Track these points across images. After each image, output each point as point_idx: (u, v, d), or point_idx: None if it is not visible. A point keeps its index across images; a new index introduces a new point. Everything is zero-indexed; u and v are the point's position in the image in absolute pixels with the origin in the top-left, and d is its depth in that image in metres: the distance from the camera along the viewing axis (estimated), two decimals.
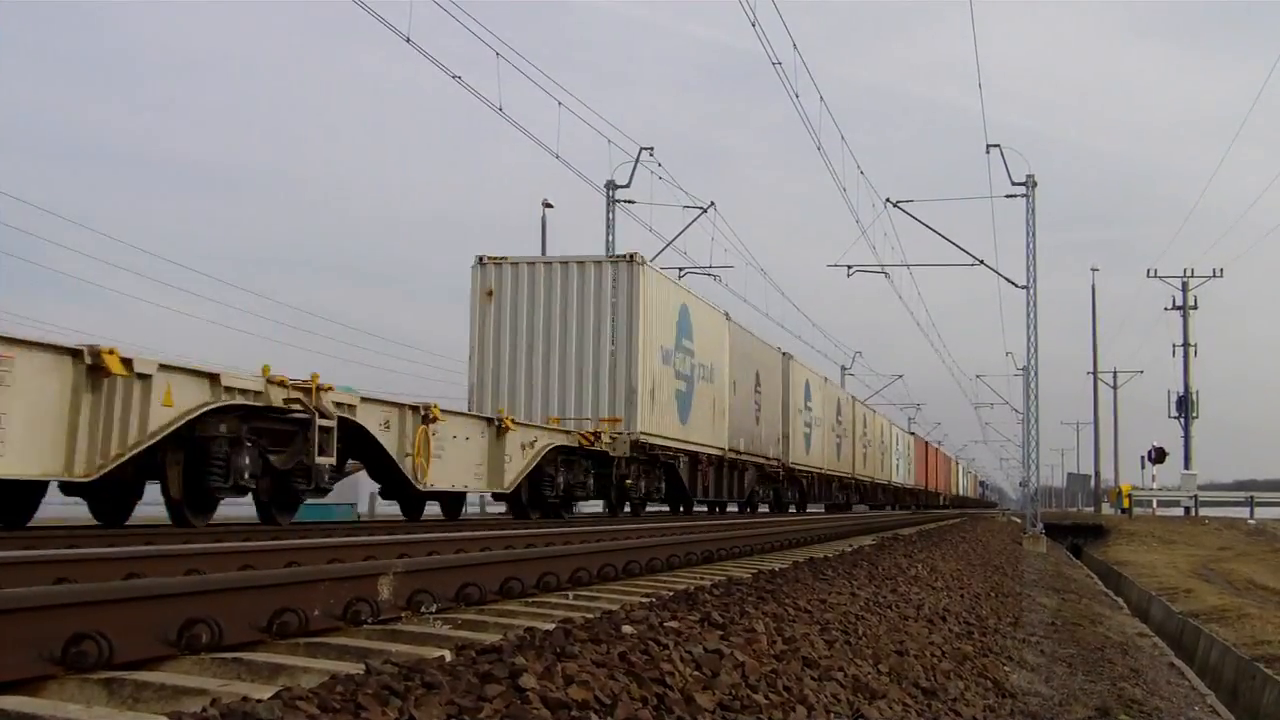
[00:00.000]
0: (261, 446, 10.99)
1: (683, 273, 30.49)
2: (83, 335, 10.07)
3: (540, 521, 16.58)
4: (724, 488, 26.04)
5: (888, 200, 28.90)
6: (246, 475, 10.65)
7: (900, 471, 57.83)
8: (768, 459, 29.75)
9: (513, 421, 16.03)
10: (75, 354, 8.98)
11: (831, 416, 39.40)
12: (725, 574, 7.36)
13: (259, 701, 2.57)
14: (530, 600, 5.45)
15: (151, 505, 11.76)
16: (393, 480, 14.08)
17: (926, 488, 68.65)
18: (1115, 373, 58.61)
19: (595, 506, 22.93)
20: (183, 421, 9.94)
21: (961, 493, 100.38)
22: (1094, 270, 59.52)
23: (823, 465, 37.55)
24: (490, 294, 19.67)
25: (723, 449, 25.35)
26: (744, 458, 27.17)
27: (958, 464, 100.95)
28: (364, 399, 12.88)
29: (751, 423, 28.15)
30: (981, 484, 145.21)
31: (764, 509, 32.24)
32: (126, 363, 9.27)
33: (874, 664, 5.37)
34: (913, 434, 66.13)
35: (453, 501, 16.86)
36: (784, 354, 32.37)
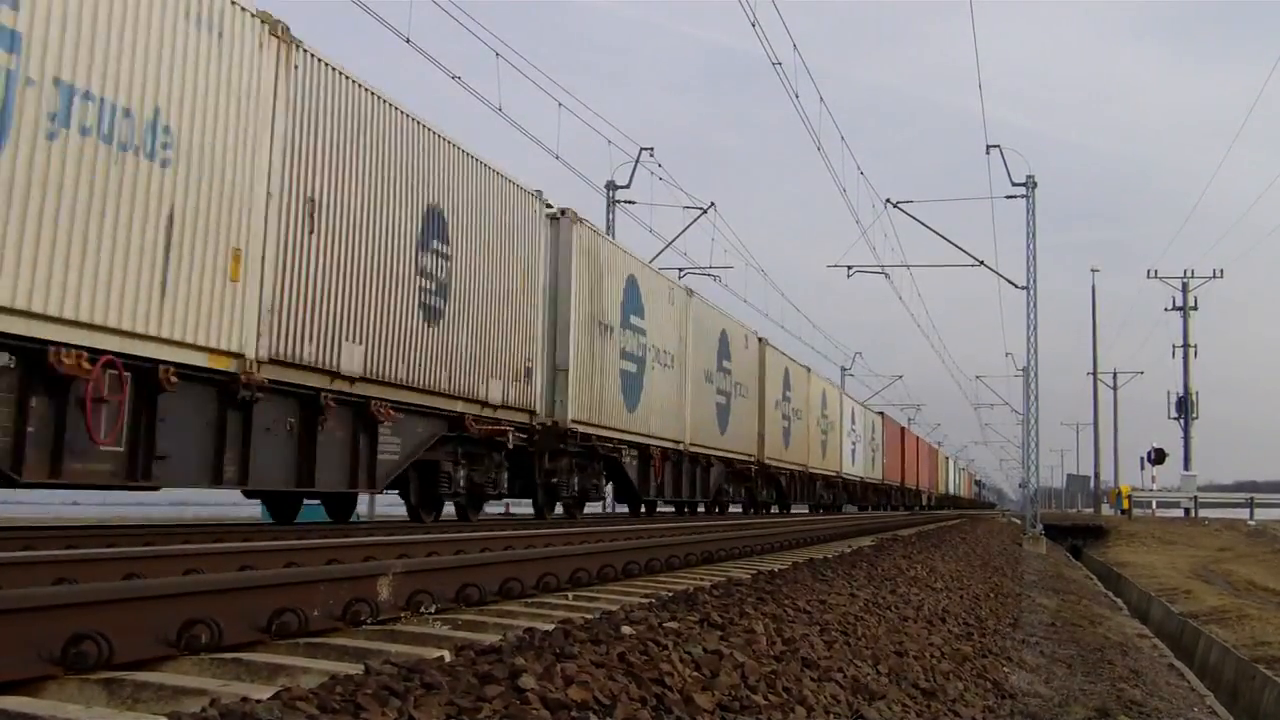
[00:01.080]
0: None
1: (683, 273, 30.52)
2: None
3: (538, 521, 16.23)
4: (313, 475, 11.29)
5: (888, 201, 28.92)
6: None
7: (857, 460, 43.30)
8: (469, 402, 13.99)
9: None
10: None
11: (708, 359, 24.07)
12: (725, 575, 7.36)
13: (258, 702, 2.57)
14: (530, 601, 5.45)
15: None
16: None
17: (902, 483, 55.51)
18: (1115, 373, 58.69)
19: None
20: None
21: (953, 491, 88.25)
22: (1094, 271, 59.47)
23: (682, 437, 22.16)
24: None
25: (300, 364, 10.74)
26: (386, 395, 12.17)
27: (948, 458, 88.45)
28: None
29: (398, 315, 12.46)
30: (978, 483, 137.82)
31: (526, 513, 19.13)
32: None
33: (873, 665, 5.37)
34: (881, 414, 51.50)
35: None
36: (559, 212, 16.84)
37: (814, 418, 35.34)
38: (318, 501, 14.33)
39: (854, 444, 42.85)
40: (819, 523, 19.55)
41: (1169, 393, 52.61)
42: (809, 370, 35.40)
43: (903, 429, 58.92)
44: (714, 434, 24.50)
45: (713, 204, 29.81)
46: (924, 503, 64.68)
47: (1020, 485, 54.21)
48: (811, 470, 34.74)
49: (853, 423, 43.11)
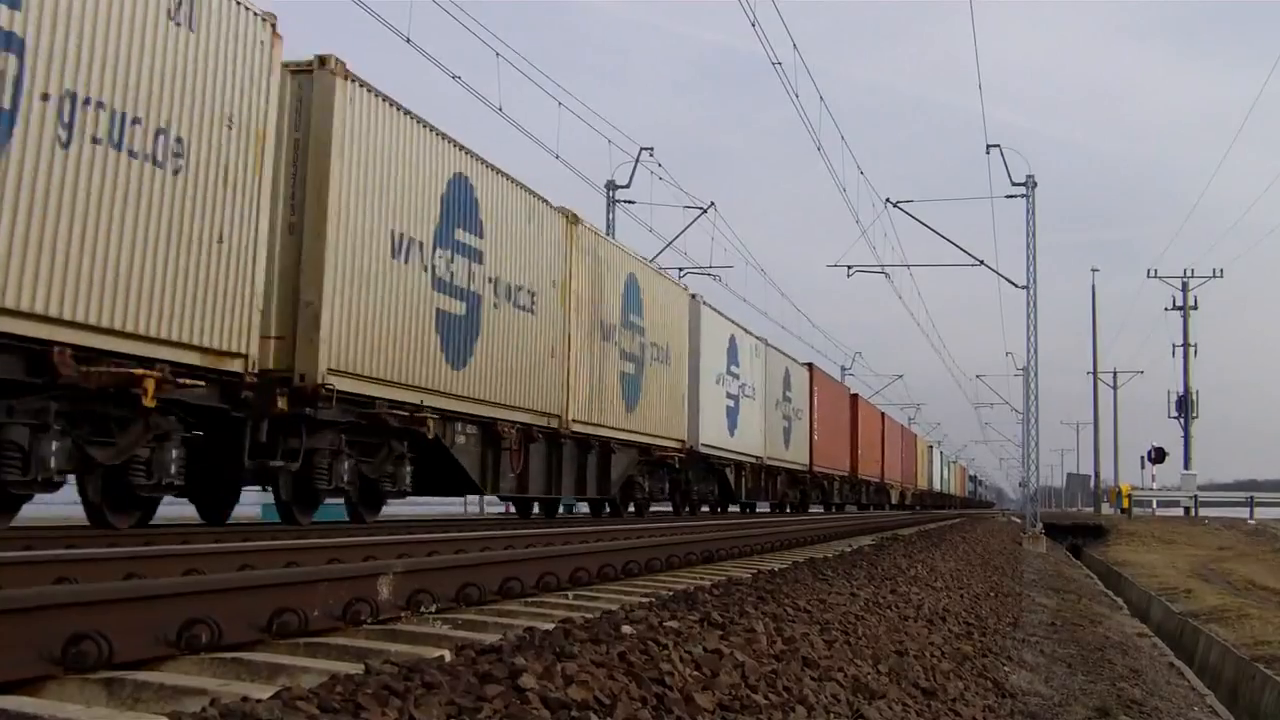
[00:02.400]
0: None
1: (683, 273, 30.54)
2: None
3: (539, 521, 16.21)
4: None
5: (888, 200, 28.94)
6: None
7: (743, 427, 25.71)
8: None
9: None
10: None
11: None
12: (725, 574, 7.36)
13: (259, 701, 2.57)
14: (530, 600, 5.45)
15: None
16: None
17: (853, 473, 39.80)
18: (1115, 373, 58.77)
19: None
20: None
21: (940, 488, 75.94)
22: (1094, 271, 59.91)
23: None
24: None
25: None
26: None
27: (931, 446, 74.35)
28: None
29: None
30: (973, 479, 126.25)
31: None
32: None
33: (874, 664, 5.37)
34: (810, 366, 34.17)
35: None
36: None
37: (603, 324, 17.61)
38: None
39: (733, 398, 24.90)
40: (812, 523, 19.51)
41: (1169, 392, 52.73)
42: (601, 234, 18.32)
43: (855, 397, 42.27)
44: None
45: (712, 204, 29.79)
46: (897, 501, 51.42)
47: (1020, 484, 52.63)
48: (597, 432, 17.37)
49: (733, 363, 25.05)
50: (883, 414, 50.01)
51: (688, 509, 23.76)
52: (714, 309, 24.40)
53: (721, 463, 24.89)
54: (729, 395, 24.97)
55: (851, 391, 43.02)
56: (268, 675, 3.27)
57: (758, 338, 27.97)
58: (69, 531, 9.31)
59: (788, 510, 31.33)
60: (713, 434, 23.62)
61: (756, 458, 27.30)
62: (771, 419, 28.87)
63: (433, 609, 4.69)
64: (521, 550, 6.85)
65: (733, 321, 26.04)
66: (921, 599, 8.44)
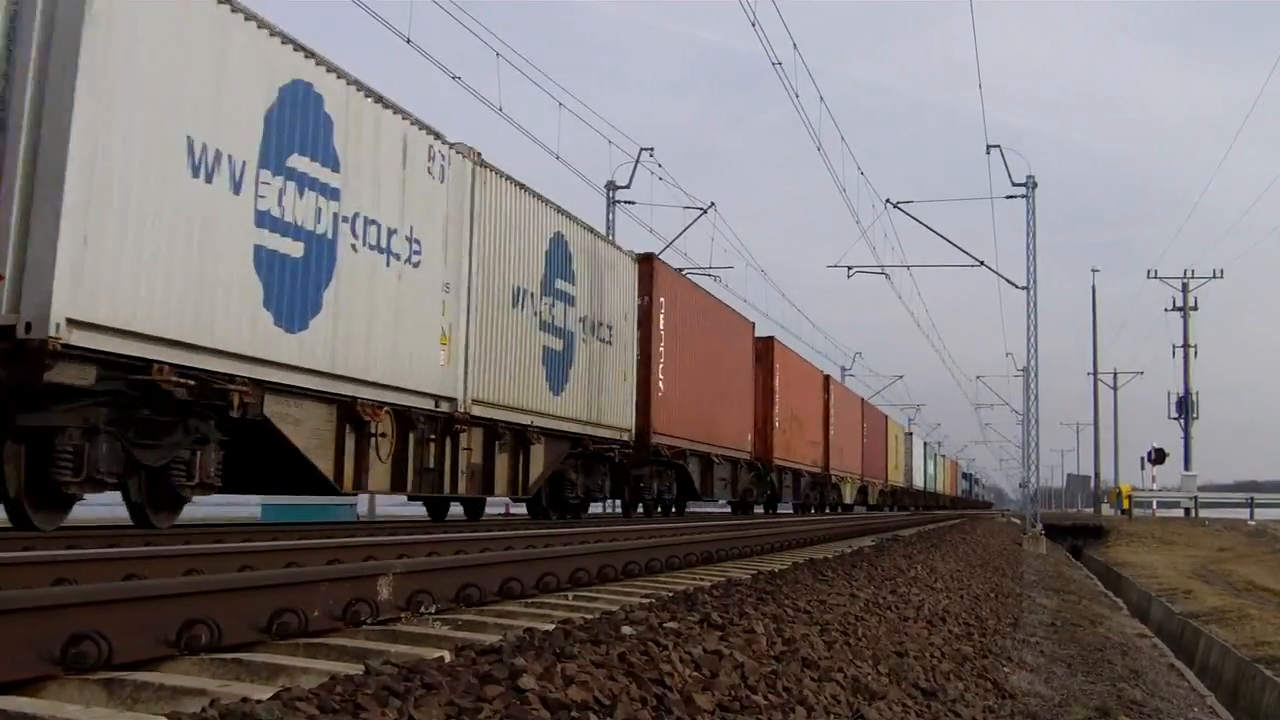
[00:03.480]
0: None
1: (682, 274, 30.55)
2: None
3: (538, 521, 16.24)
4: None
5: (888, 201, 28.91)
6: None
7: (408, 341, 12.39)
8: None
9: None
10: None
11: None
12: (725, 575, 7.36)
13: (258, 702, 2.57)
14: (530, 601, 5.45)
15: None
16: None
17: (766, 457, 28.29)
18: (1115, 374, 58.82)
19: None
20: None
21: (924, 485, 64.00)
22: (1094, 271, 59.90)
23: None
24: None
25: None
26: None
27: (910, 434, 60.96)
28: None
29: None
30: (967, 477, 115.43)
31: None
32: None
33: (874, 665, 5.37)
34: (650, 258, 20.43)
35: None
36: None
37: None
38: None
39: (322, 241, 10.95)
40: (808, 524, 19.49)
41: (1169, 393, 52.69)
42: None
43: (771, 341, 29.41)
44: None
45: (713, 204, 29.72)
46: (854, 500, 40.26)
47: (1020, 485, 52.25)
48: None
49: (320, 156, 10.92)
50: (827, 377, 36.01)
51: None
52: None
53: (213, 393, 9.70)
54: (303, 229, 10.80)
55: (765, 334, 29.10)
56: (267, 676, 3.27)
57: (454, 144, 13.74)
58: (70, 532, 9.30)
59: (558, 516, 17.19)
60: (204, 313, 9.51)
61: (443, 399, 13.49)
62: (512, 328, 15.19)
63: (432, 610, 4.69)
64: (521, 551, 6.86)
65: (329, 68, 11.20)
66: (921, 600, 8.44)
